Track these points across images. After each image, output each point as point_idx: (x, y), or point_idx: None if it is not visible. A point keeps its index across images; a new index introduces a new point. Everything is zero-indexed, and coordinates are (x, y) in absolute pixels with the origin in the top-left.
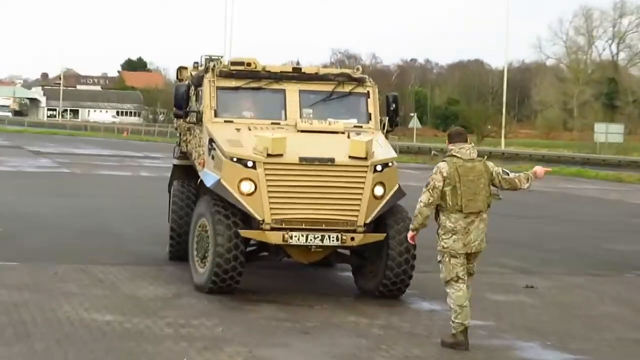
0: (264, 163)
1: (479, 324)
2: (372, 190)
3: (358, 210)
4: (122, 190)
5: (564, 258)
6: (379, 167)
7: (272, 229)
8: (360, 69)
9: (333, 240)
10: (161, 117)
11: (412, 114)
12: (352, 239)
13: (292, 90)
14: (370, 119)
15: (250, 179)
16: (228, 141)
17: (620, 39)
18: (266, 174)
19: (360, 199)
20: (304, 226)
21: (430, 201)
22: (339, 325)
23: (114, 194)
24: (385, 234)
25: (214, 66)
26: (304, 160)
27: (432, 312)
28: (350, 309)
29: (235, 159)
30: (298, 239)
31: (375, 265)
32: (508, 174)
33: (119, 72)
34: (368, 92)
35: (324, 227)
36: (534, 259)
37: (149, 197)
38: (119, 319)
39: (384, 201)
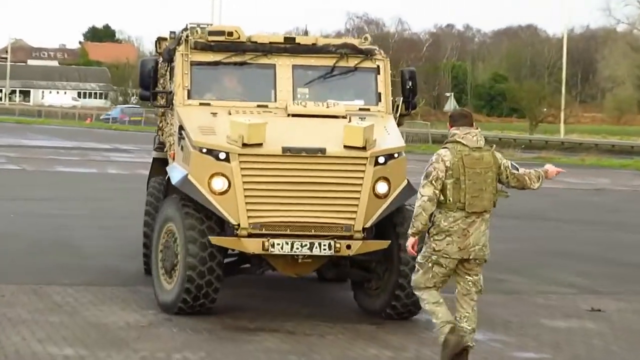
0: (239, 155)
1: (533, 356)
2: (373, 188)
3: (355, 212)
4: (84, 192)
5: (639, 274)
6: (381, 159)
7: (250, 236)
8: (369, 39)
9: (324, 249)
10: (133, 100)
11: (448, 94)
12: (348, 247)
13: (284, 66)
14: (380, 99)
15: (223, 175)
16: (199, 128)
17: None
18: (242, 168)
19: (357, 198)
20: (288, 232)
21: (435, 194)
22: (356, 358)
23: (74, 197)
24: (389, 241)
25: (187, 37)
26: (288, 151)
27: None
28: (371, 338)
29: (204, 150)
30: (281, 248)
31: (382, 281)
32: (517, 169)
33: (80, 43)
34: (378, 67)
35: (313, 232)
36: (601, 275)
37: (119, 199)
38: (81, 352)
39: (389, 201)
